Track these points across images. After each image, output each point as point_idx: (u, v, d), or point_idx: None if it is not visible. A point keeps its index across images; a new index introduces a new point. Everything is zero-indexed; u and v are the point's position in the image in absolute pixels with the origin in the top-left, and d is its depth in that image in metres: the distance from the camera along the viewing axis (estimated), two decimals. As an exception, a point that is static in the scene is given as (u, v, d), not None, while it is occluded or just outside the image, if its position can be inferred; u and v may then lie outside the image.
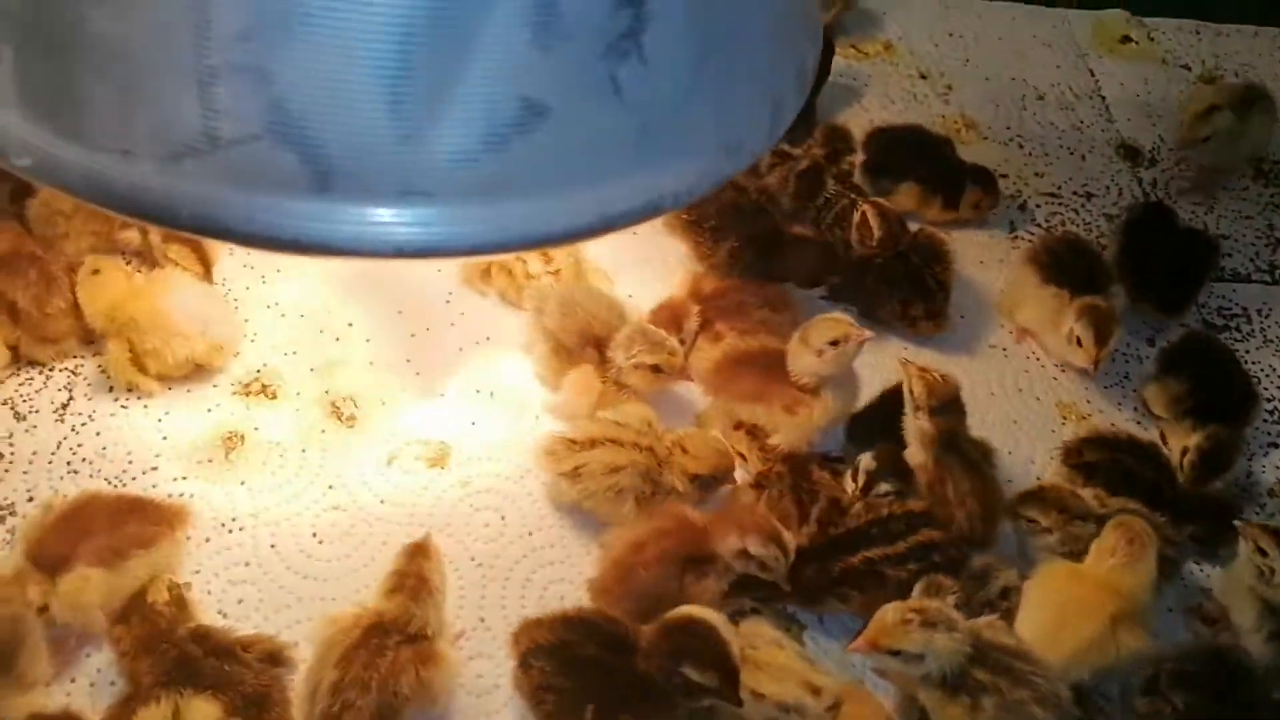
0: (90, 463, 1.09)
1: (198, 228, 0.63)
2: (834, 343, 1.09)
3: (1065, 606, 1.01)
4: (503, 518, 1.11)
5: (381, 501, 1.10)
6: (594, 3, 0.64)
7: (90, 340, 1.17)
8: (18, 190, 1.23)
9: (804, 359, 1.11)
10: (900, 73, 1.74)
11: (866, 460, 1.12)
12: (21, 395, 1.14)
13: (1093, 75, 1.80)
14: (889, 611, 0.93)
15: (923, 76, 1.75)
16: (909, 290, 1.33)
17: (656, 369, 1.14)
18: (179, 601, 0.98)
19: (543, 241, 0.70)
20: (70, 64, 0.61)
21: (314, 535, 1.07)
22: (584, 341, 1.16)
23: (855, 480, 1.11)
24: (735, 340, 1.20)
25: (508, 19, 0.62)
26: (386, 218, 0.63)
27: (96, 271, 1.13)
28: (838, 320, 1.11)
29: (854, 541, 1.05)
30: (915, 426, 1.12)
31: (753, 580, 1.01)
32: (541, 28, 0.63)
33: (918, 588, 1.02)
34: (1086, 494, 1.12)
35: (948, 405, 1.12)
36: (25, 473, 1.08)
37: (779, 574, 1.01)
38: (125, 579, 0.97)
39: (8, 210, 1.24)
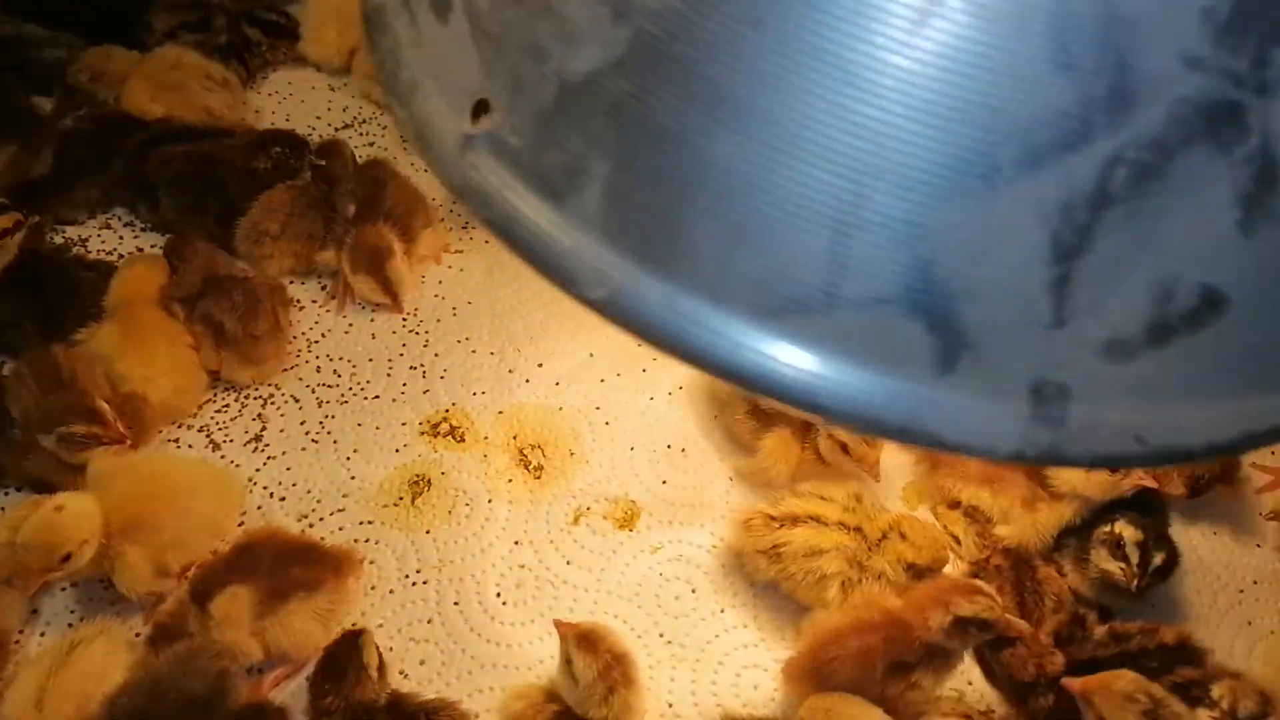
0: (281, 500, 1.08)
1: (775, 393, 0.52)
2: None
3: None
4: (694, 590, 1.04)
5: (568, 562, 1.05)
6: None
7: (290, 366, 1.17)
8: (225, 211, 1.24)
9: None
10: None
11: (1127, 529, 0.98)
12: (217, 423, 1.13)
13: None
14: (1124, 680, 0.84)
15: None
16: None
17: (845, 449, 1.05)
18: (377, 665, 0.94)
19: (1181, 459, 0.56)
20: (678, 189, 0.48)
21: (498, 595, 1.03)
22: (787, 403, 1.08)
23: (1119, 557, 0.97)
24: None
25: (1220, 194, 0.46)
26: (1013, 413, 0.48)
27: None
28: None
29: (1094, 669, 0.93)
30: None
31: None
32: (1254, 205, 0.48)
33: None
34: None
35: None
36: (217, 505, 1.07)
37: (999, 622, 0.91)
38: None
39: (213, 230, 1.24)
